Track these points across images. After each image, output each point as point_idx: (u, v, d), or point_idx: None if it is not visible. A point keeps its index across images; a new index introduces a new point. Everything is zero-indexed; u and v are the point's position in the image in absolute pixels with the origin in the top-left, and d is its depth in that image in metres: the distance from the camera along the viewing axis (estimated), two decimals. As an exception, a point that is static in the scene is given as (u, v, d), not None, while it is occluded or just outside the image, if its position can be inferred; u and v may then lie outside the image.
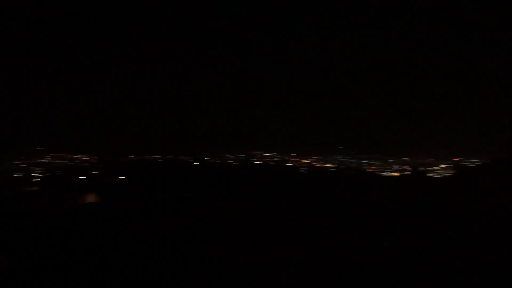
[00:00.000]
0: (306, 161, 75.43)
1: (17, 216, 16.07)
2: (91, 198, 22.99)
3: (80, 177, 47.55)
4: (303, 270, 8.46)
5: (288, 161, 76.25)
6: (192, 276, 7.94)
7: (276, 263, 8.81)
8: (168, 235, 11.72)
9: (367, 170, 63.60)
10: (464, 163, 55.07)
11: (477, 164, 37.03)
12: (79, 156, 77.12)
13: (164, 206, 19.34)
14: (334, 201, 21.66)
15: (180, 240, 11.08)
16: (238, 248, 9.97)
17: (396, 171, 63.51)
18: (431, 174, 50.77)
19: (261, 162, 74.35)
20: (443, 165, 62.14)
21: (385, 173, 59.98)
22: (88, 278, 7.69)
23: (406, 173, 59.11)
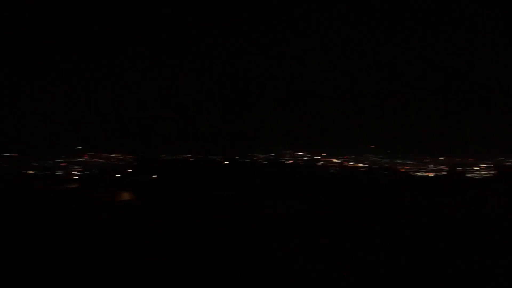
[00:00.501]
0: (336, 161, 74.38)
1: (60, 212, 16.92)
2: (126, 195, 23.81)
3: (115, 175, 49.37)
4: (339, 268, 8.41)
5: (318, 160, 75.48)
6: (228, 272, 8.08)
7: (313, 261, 8.80)
8: (199, 232, 11.94)
9: (401, 170, 61.86)
10: (506, 163, 52.39)
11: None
12: (115, 155, 79.86)
13: (196, 204, 19.73)
14: (364, 201, 21.27)
15: (213, 237, 11.28)
16: (273, 245, 10.03)
17: (431, 171, 61.34)
18: (470, 175, 48.71)
19: (290, 162, 74.05)
20: (483, 165, 59.36)
21: (419, 173, 58.10)
22: (126, 270, 8.00)
23: (443, 173, 57.01)
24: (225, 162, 68.52)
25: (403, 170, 62.10)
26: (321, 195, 24.44)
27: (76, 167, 65.61)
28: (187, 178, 44.09)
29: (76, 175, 53.55)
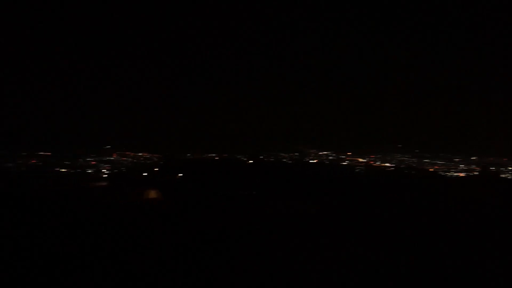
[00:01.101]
0: (362, 160, 73.10)
1: (90, 209, 17.51)
2: (152, 193, 24.35)
3: (142, 174, 50.58)
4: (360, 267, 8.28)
5: (343, 159, 74.44)
6: (250, 268, 8.12)
7: (336, 260, 8.70)
8: (223, 230, 12.04)
9: (430, 170, 60.05)
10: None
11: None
12: (142, 154, 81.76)
13: (221, 202, 19.92)
14: (390, 201, 20.78)
15: (237, 235, 11.35)
16: (296, 244, 10.00)
17: (462, 171, 59.17)
18: (504, 175, 46.65)
19: (315, 161, 73.43)
20: (518, 165, 56.75)
21: (450, 174, 56.16)
22: (152, 265, 8.18)
23: (474, 173, 54.88)
24: (250, 161, 68.76)
25: (432, 170, 60.24)
26: (346, 195, 24.09)
27: (105, 165, 67.71)
28: (212, 177, 44.57)
29: (105, 174, 55.22)
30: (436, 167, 64.96)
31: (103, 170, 60.52)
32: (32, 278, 7.36)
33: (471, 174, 54.51)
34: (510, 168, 55.55)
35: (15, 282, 7.23)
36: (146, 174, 51.03)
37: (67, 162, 68.56)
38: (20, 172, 59.98)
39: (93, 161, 71.66)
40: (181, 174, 48.15)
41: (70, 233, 11.66)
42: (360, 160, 73.56)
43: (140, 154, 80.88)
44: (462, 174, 55.19)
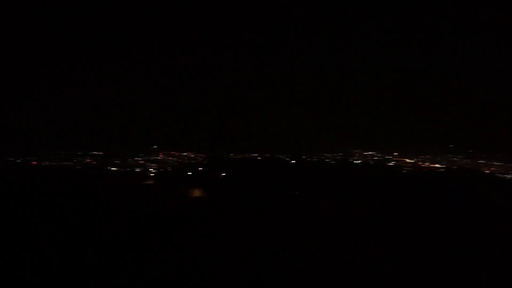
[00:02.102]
0: (410, 161, 69.97)
1: (138, 207, 18.25)
2: (197, 192, 24.92)
3: (187, 173, 52.02)
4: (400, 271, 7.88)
5: (389, 160, 71.73)
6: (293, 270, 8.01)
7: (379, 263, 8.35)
8: (266, 230, 12.00)
9: (485, 171, 56.24)
10: None
11: None
12: (186, 153, 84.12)
13: (263, 202, 19.95)
14: (442, 205, 19.67)
15: (281, 236, 11.28)
16: (338, 245, 9.74)
17: (523, 173, 54.77)
18: None
19: (360, 161, 71.43)
20: None
21: (509, 176, 52.23)
22: (196, 264, 8.32)
23: (537, 175, 50.66)
24: (292, 161, 68.37)
25: (488, 172, 56.36)
26: (392, 197, 23.17)
27: (152, 165, 70.54)
28: (254, 176, 44.83)
29: (152, 173, 57.47)
30: (492, 168, 60.67)
31: (150, 169, 63.11)
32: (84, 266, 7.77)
33: (533, 176, 50.37)
34: None
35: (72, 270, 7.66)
36: (190, 173, 52.43)
37: (117, 161, 72.36)
38: (76, 170, 64.19)
39: (141, 160, 75.03)
40: (224, 174, 48.91)
41: (122, 227, 12.20)
42: (408, 160, 70.46)
43: (185, 153, 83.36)
44: (523, 176, 51.18)
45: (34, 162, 71.08)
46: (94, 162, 73.27)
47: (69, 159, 72.44)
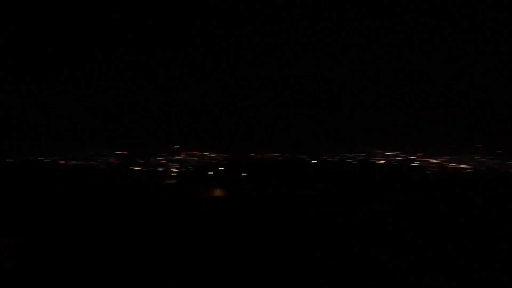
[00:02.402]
0: (435, 161, 68.12)
1: (160, 205, 18.58)
2: (218, 192, 25.14)
3: (208, 173, 52.53)
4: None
5: (413, 160, 70.08)
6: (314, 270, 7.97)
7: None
8: (287, 230, 11.98)
9: (515, 173, 54.22)
10: None
11: None
12: (208, 153, 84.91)
13: (284, 202, 19.92)
14: (470, 209, 19.04)
15: (301, 236, 11.25)
16: (361, 247, 9.63)
17: (555, 174, 52.43)
18: None
19: (382, 162, 70.15)
20: None
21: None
22: (217, 264, 8.41)
23: None
24: (313, 161, 67.89)
25: (518, 173, 54.29)
26: (417, 199, 22.66)
27: (174, 164, 71.67)
28: (275, 176, 44.80)
29: (174, 172, 58.32)
30: (522, 169, 58.43)
31: (172, 169, 64.12)
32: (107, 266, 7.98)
33: None
34: None
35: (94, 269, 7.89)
36: (211, 173, 52.90)
37: (140, 161, 73.93)
38: (100, 169, 66.02)
39: (163, 160, 76.39)
40: (245, 173, 49.11)
41: (144, 227, 12.45)
42: (432, 161, 68.63)
43: (206, 153, 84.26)
44: (555, 178, 48.96)
45: (62, 161, 73.57)
46: (117, 162, 75.15)
47: (94, 159, 74.62)
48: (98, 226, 12.59)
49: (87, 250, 9.37)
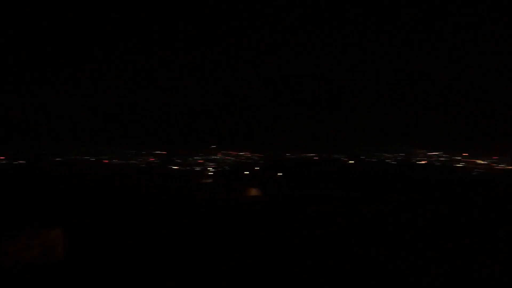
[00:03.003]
0: (482, 162, 64.41)
1: (196, 205, 18.95)
2: (253, 191, 25.20)
3: (244, 173, 52.90)
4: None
5: (458, 161, 66.67)
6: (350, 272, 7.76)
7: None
8: (323, 232, 11.81)
9: None
10: None
11: None
12: (243, 153, 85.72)
13: (321, 203, 19.63)
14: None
15: (339, 238, 11.01)
16: (397, 250, 9.26)
17: None
18: None
19: (424, 162, 67.34)
20: None
21: None
22: (252, 263, 8.41)
23: None
24: (350, 162, 66.50)
25: None
26: (462, 202, 21.49)
27: (211, 164, 73.05)
28: (311, 176, 44.31)
29: (211, 171, 59.28)
30: None
31: (209, 168, 65.31)
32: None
33: None
34: None
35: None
36: (247, 172, 53.23)
37: (178, 161, 76.06)
38: (140, 168, 68.62)
39: (200, 159, 78.09)
40: (281, 173, 48.94)
41: (181, 225, 12.72)
42: (479, 162, 64.91)
43: (242, 153, 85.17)
44: None
45: (106, 161, 77.37)
46: (157, 161, 77.81)
47: (135, 158, 77.76)
48: (140, 221, 13.05)
49: (131, 243, 9.74)
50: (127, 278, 6.88)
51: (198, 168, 67.86)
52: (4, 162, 64.11)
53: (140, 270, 7.39)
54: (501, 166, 62.19)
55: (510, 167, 60.03)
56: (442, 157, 70.28)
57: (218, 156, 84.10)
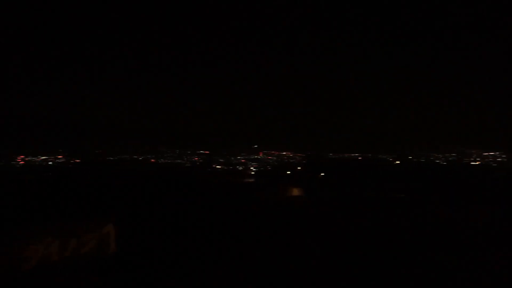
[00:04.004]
0: (545, 163, 59.34)
1: (238, 204, 19.21)
2: (295, 191, 25.05)
3: (286, 172, 52.78)
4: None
5: (518, 162, 61.96)
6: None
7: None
8: (366, 234, 11.49)
9: None
10: None
11: None
12: (285, 153, 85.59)
13: (365, 205, 19.12)
14: None
15: (382, 242, 10.67)
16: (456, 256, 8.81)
17: None
18: None
19: (478, 163, 63.21)
20: None
21: None
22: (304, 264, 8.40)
23: None
24: (396, 162, 64.08)
25: None
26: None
27: (253, 163, 73.66)
28: (355, 177, 43.25)
29: (253, 171, 59.77)
30: None
31: (251, 168, 65.93)
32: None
33: None
34: None
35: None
36: (289, 172, 53.06)
37: (221, 160, 77.57)
38: (185, 167, 70.85)
39: (243, 159, 79.06)
40: (323, 173, 48.25)
41: (222, 224, 12.97)
42: (542, 163, 59.86)
43: (284, 153, 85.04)
44: None
45: (153, 160, 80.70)
46: (201, 160, 79.87)
47: (180, 157, 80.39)
48: (184, 219, 13.50)
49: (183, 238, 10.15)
50: (176, 274, 7.17)
51: (240, 168, 68.70)
52: (62, 160, 68.86)
53: (187, 265, 7.69)
54: None
55: None
56: (499, 157, 65.61)
57: (260, 156, 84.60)
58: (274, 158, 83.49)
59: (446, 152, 69.88)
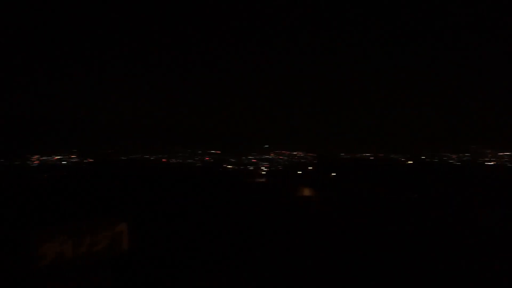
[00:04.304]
0: None
1: (250, 203, 19.25)
2: (307, 191, 25.02)
3: (297, 172, 52.56)
4: None
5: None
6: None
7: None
8: (382, 233, 11.39)
9: None
10: None
11: None
12: (297, 153, 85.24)
13: (376, 205, 18.96)
14: None
15: (396, 243, 10.61)
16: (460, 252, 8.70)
17: None
18: None
19: (493, 163, 62.00)
20: None
21: None
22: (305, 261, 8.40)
23: None
24: (409, 162, 63.29)
25: None
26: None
27: (264, 163, 73.61)
28: (366, 177, 42.88)
29: (264, 171, 59.67)
30: None
31: (262, 168, 65.89)
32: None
33: None
34: None
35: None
36: (300, 172, 52.83)
37: (232, 160, 77.73)
38: (196, 166, 71.25)
39: (254, 159, 79.07)
40: (334, 173, 47.93)
41: (235, 223, 13.05)
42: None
43: (295, 153, 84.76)
44: None
45: (164, 160, 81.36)
46: (212, 160, 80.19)
47: (191, 157, 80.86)
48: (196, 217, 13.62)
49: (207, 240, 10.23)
50: (187, 272, 7.24)
51: (251, 167, 68.72)
52: (76, 160, 69.97)
53: (198, 266, 7.75)
54: None
55: None
56: (515, 157, 64.28)
57: (271, 156, 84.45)
58: (285, 158, 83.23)
59: (461, 152, 68.71)
